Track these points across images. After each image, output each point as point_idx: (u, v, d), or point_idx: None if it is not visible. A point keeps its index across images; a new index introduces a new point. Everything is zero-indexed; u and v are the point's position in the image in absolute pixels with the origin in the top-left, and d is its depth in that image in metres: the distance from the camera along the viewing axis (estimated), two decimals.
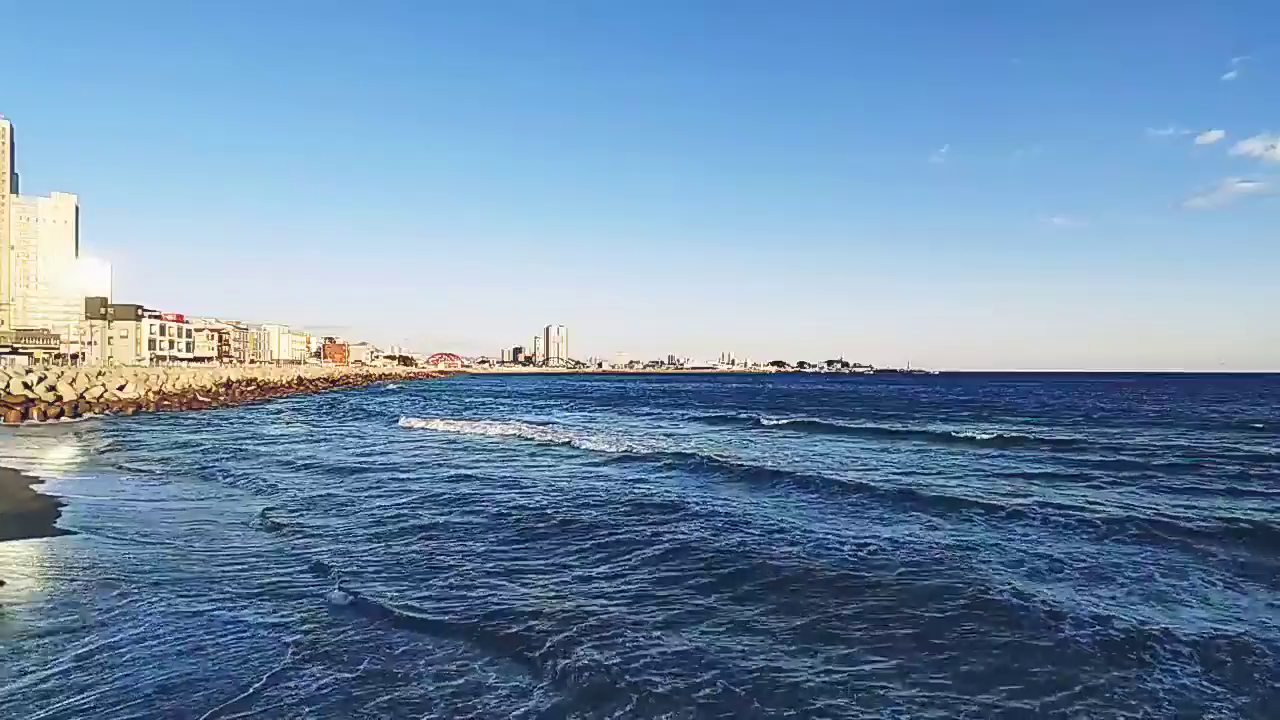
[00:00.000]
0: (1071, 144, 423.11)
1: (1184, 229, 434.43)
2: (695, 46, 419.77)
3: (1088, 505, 14.22)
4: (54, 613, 7.80)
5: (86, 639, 7.03)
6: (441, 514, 13.48)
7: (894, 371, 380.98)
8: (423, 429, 33.14)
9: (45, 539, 11.06)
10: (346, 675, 6.28)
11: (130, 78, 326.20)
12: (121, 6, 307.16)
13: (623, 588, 8.95)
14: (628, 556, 10.42)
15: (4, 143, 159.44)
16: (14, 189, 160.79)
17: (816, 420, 38.36)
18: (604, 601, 8.33)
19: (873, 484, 16.52)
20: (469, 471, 19.34)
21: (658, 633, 7.36)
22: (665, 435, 31.15)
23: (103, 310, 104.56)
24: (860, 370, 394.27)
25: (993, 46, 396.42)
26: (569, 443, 26.67)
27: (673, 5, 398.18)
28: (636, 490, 16.27)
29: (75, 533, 11.55)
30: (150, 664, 6.51)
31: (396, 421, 37.22)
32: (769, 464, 20.26)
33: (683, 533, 11.75)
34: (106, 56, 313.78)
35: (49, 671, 6.31)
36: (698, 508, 13.87)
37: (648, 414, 47.01)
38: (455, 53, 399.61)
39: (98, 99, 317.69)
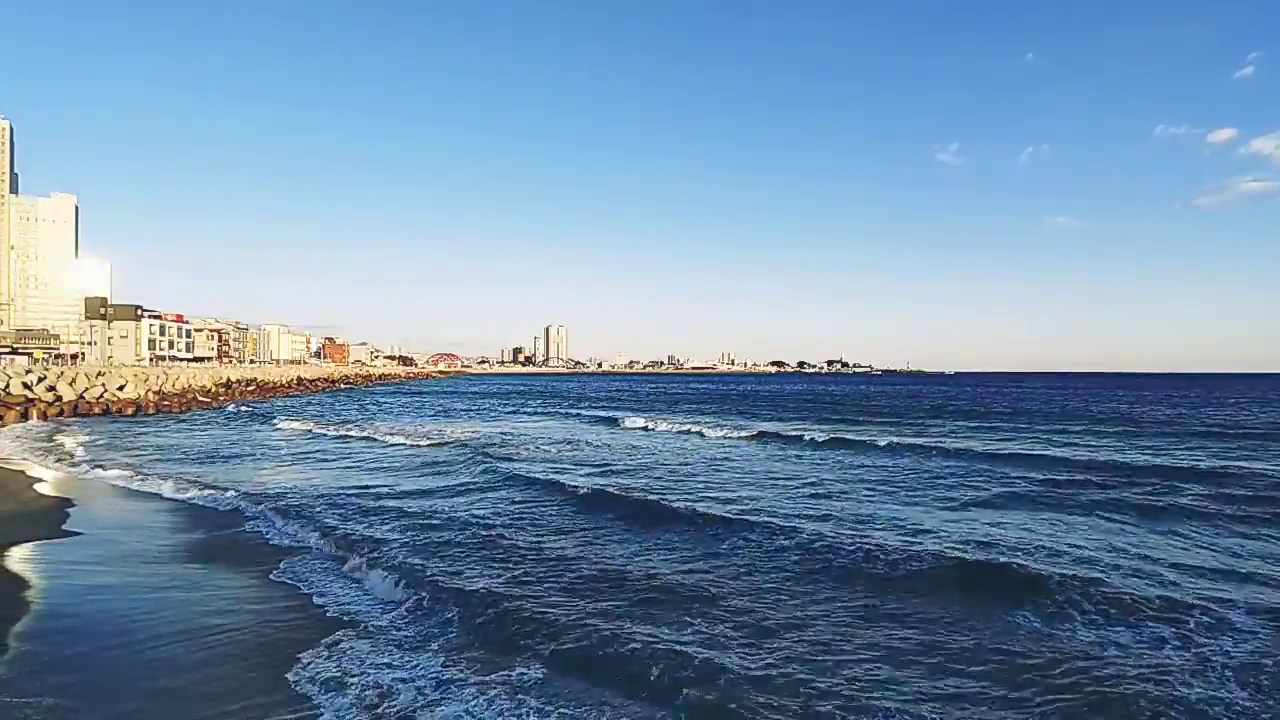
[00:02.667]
0: (1081, 142, 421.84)
1: (1190, 229, 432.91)
2: (697, 46, 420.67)
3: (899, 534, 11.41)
4: (75, 611, 7.90)
5: (104, 639, 7.13)
6: None
7: (894, 372, 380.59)
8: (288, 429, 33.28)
9: (58, 541, 11.14)
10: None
11: (130, 78, 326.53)
12: (121, 6, 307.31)
13: None
14: None
15: (4, 143, 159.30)
16: (14, 189, 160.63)
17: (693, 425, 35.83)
18: None
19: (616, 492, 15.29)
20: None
21: None
22: (509, 429, 33.56)
23: (102, 310, 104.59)
24: (862, 370, 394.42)
25: (1007, 42, 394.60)
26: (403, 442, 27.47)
27: (674, 5, 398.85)
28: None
29: (83, 533, 11.63)
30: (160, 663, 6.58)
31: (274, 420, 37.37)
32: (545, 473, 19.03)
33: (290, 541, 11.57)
34: (106, 56, 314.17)
35: (64, 668, 6.38)
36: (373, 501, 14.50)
37: (543, 412, 48.96)
38: (456, 53, 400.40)
39: (98, 99, 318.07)
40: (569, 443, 28.05)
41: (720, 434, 31.42)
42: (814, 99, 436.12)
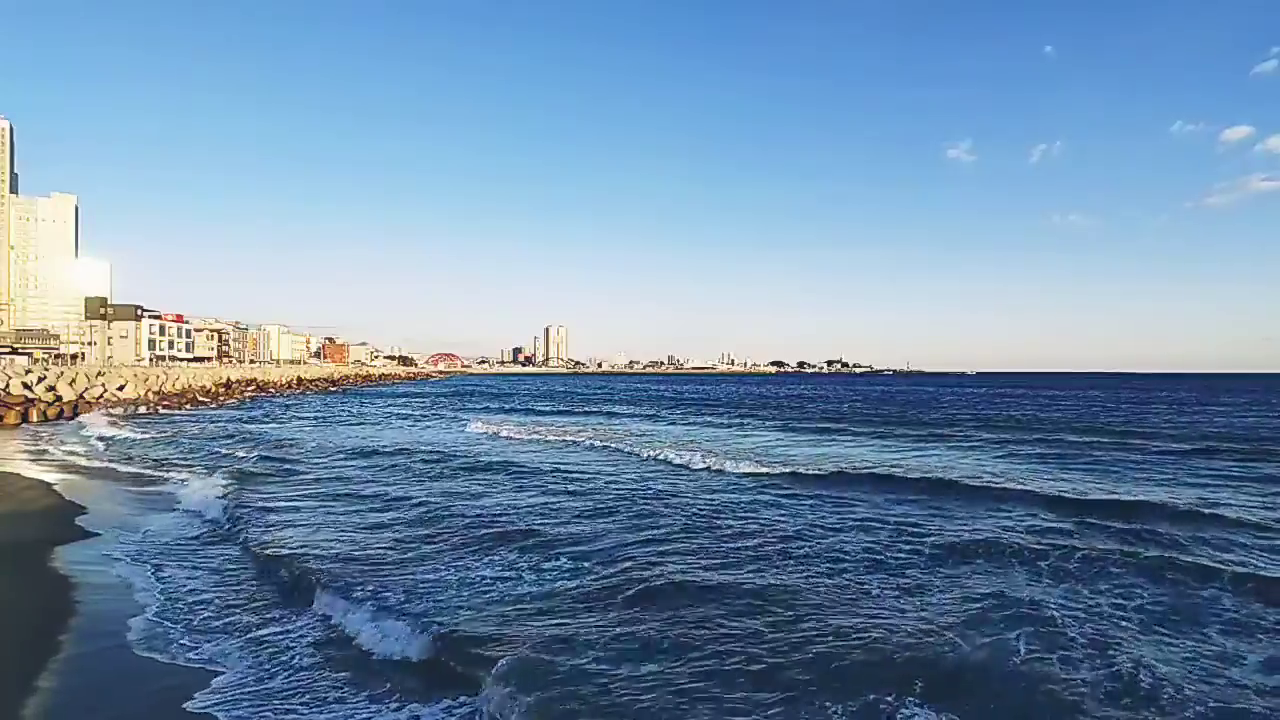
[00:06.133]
0: (1095, 138, 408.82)
1: (1202, 228, 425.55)
2: (699, 44, 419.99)
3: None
4: (109, 605, 7.94)
5: (114, 637, 7.16)
6: None
7: (901, 373, 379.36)
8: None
9: (78, 542, 11.06)
10: None
11: (130, 78, 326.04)
12: (121, 6, 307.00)
13: None
14: None
15: (4, 143, 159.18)
16: (14, 189, 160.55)
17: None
18: None
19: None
20: None
21: None
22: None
23: (102, 310, 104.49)
24: (863, 370, 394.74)
25: (1026, 34, 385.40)
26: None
27: (675, 3, 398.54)
28: None
29: (99, 534, 11.58)
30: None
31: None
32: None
33: None
34: (106, 56, 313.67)
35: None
36: None
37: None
38: (456, 53, 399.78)
39: (98, 99, 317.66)
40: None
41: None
42: (820, 97, 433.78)
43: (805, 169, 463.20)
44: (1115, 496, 14.95)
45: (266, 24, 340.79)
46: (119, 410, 39.73)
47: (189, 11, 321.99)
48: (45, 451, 22.62)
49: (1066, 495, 15.05)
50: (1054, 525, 12.35)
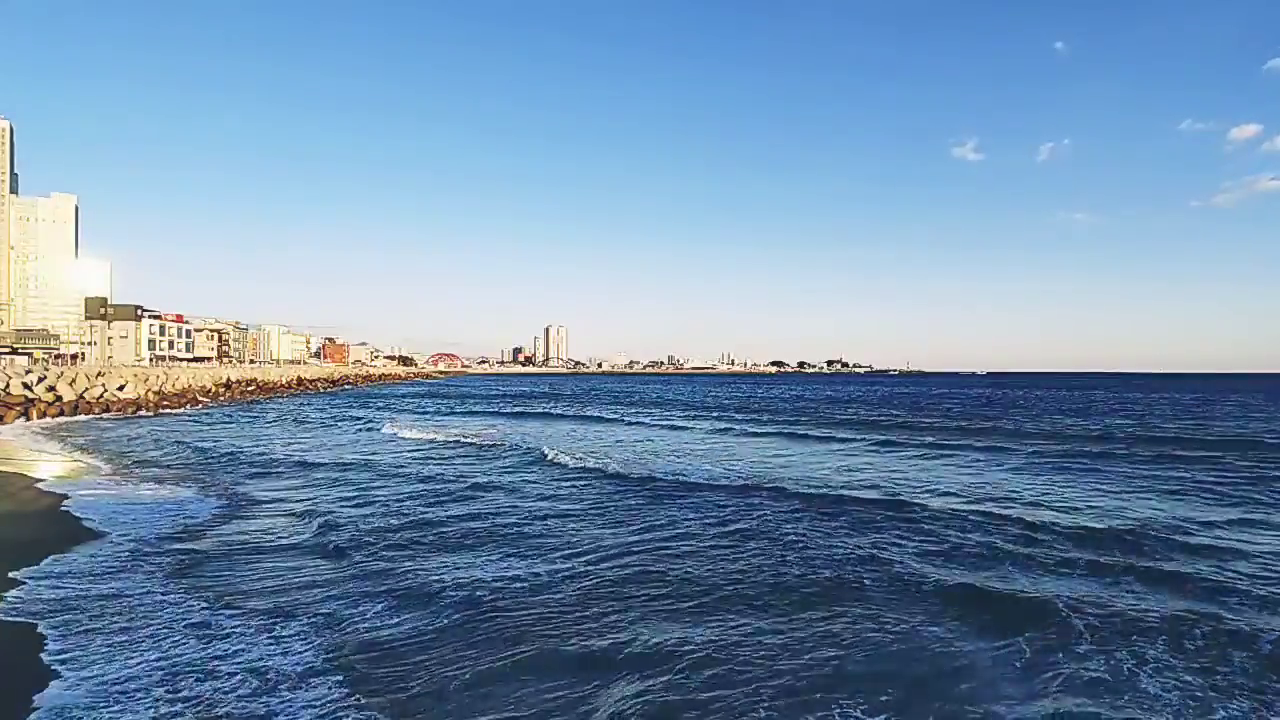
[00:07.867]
0: (1104, 137, 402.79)
1: (1208, 227, 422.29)
2: (700, 42, 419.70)
3: None
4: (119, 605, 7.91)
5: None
6: None
7: (915, 373, 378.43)
8: None
9: (86, 543, 11.03)
10: None
11: (130, 78, 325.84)
12: (121, 6, 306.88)
13: None
14: None
15: (4, 143, 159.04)
16: (14, 189, 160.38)
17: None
18: None
19: None
20: None
21: None
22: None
23: (102, 310, 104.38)
24: (863, 369, 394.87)
25: (1036, 30, 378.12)
26: None
27: (676, 2, 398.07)
28: None
29: (104, 534, 11.55)
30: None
31: None
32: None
33: None
34: (106, 56, 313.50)
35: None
36: None
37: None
38: (455, 52, 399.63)
39: (98, 99, 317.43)
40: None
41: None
42: (822, 94, 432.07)
43: (807, 167, 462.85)
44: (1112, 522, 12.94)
45: (266, 23, 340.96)
46: (49, 421, 34.73)
47: (188, 11, 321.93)
48: (47, 451, 22.61)
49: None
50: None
